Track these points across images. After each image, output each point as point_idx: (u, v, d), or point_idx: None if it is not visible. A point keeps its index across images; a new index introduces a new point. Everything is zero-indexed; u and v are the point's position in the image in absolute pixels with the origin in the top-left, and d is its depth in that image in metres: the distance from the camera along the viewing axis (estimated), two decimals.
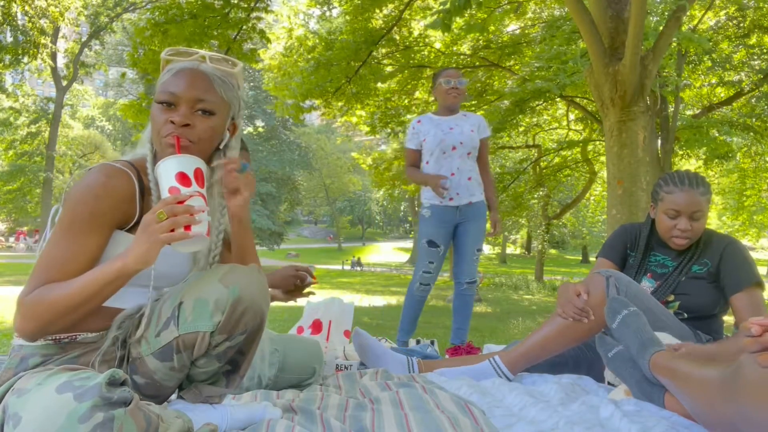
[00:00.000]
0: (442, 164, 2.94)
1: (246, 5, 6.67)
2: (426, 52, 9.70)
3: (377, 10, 8.27)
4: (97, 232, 1.11)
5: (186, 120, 1.15)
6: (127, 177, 1.15)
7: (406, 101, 10.57)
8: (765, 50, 9.85)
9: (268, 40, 7.79)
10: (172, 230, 1.01)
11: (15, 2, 12.20)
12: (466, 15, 7.74)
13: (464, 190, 2.94)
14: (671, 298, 1.89)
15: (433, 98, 10.93)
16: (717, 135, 9.29)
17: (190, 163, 1.09)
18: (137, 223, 1.15)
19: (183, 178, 1.06)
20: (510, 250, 40.37)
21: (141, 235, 1.03)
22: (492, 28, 9.45)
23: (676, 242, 1.89)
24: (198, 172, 1.09)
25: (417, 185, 3.08)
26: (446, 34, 9.55)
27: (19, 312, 1.06)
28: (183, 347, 1.12)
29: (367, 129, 10.84)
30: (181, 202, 1.03)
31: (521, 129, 13.01)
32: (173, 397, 1.28)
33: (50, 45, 15.00)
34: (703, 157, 10.56)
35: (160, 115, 1.16)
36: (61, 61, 24.22)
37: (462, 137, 2.95)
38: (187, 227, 1.02)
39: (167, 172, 1.07)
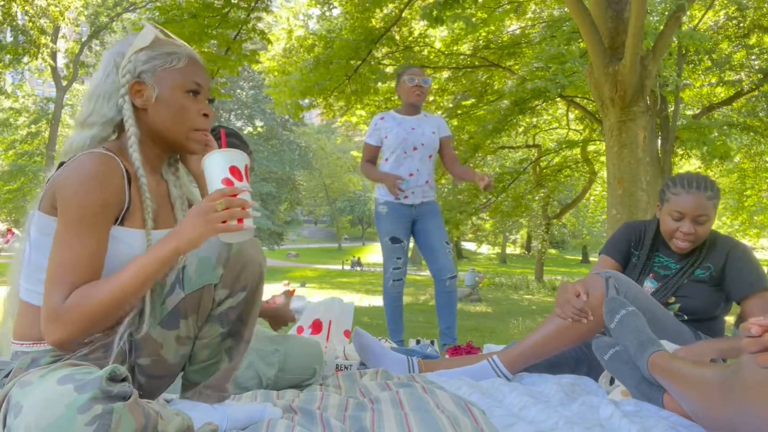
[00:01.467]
0: (401, 163, 2.96)
1: (246, 5, 6.67)
2: (426, 53, 9.68)
3: (377, 10, 8.27)
4: (108, 222, 1.10)
5: (211, 111, 1.23)
6: (118, 164, 1.12)
7: None
8: (765, 50, 9.85)
9: (269, 41, 7.78)
10: (224, 221, 1.04)
11: (15, 2, 12.18)
12: (466, 13, 7.74)
13: (419, 191, 2.97)
14: (672, 300, 1.88)
15: (431, 98, 10.96)
16: (717, 135, 9.30)
17: (240, 158, 1.11)
18: (125, 214, 1.13)
19: (235, 172, 1.09)
20: (510, 250, 40.36)
21: (196, 220, 1.04)
22: (492, 27, 9.45)
23: (677, 245, 1.86)
24: (247, 169, 1.12)
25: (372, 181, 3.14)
26: (445, 34, 9.60)
27: (59, 321, 1.03)
28: (189, 310, 1.14)
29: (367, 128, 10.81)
30: (234, 196, 1.05)
31: (521, 129, 13.00)
32: (174, 397, 1.28)
33: (50, 45, 14.96)
34: (703, 156, 10.55)
35: (191, 104, 1.20)
36: (61, 61, 24.18)
37: (423, 138, 2.98)
38: (240, 220, 1.05)
39: (220, 165, 1.09)
